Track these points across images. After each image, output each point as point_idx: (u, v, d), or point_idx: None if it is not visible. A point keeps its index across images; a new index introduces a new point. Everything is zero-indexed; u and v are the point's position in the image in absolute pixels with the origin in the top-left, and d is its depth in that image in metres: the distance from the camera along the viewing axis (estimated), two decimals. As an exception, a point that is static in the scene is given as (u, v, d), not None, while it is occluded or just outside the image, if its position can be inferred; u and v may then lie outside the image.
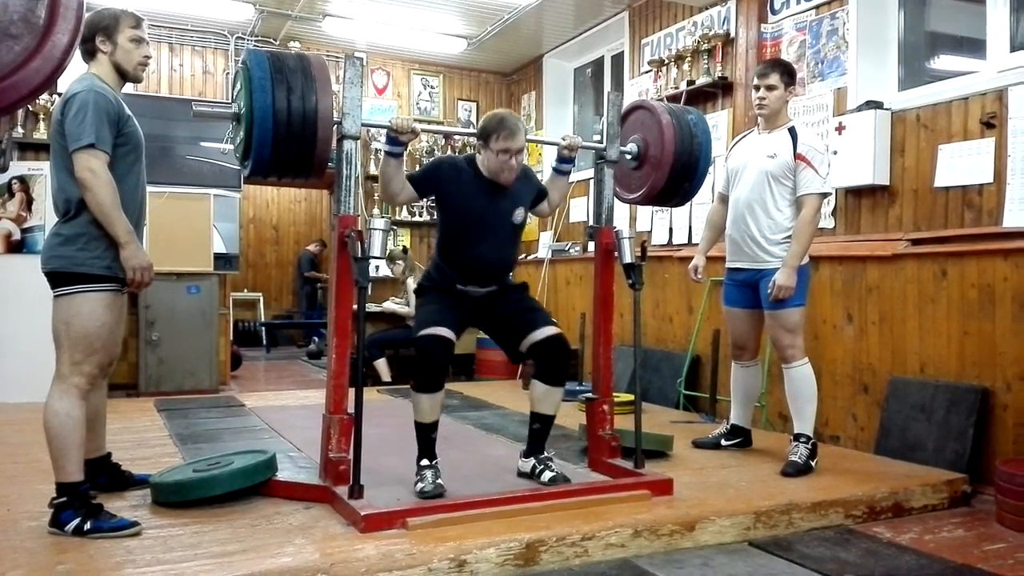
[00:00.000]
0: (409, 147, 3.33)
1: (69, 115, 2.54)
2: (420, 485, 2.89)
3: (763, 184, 3.54)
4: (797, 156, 3.48)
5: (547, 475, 3.08)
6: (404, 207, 7.57)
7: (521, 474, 3.23)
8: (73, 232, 2.59)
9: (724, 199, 3.79)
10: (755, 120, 3.72)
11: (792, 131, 3.55)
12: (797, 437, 3.48)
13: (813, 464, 3.43)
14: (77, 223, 2.60)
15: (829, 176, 3.56)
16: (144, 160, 2.83)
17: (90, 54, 2.73)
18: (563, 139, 3.29)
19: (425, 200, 3.43)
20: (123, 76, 2.77)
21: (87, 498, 2.55)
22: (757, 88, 3.60)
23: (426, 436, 2.99)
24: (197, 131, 6.41)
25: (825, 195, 3.57)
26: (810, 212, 3.46)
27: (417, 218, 7.68)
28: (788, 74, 3.60)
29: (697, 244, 4.05)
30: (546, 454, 3.19)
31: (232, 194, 6.49)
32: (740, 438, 3.86)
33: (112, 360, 2.83)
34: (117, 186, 2.59)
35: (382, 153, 3.24)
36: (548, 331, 3.09)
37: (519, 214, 3.19)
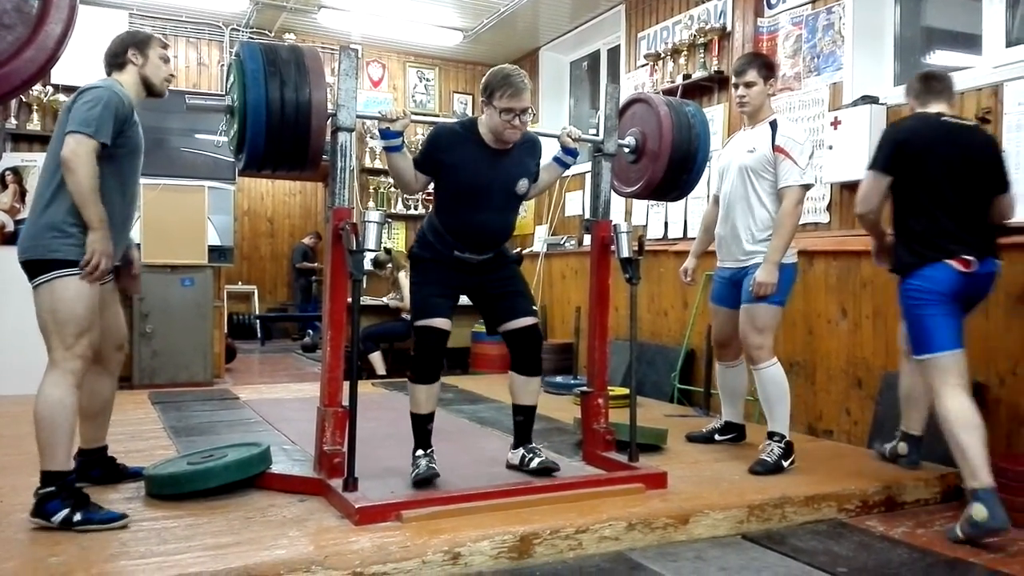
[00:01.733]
0: (407, 139, 3.27)
1: (80, 102, 2.61)
2: (415, 472, 2.92)
3: (744, 180, 3.50)
4: (775, 148, 3.41)
5: (536, 461, 3.09)
6: (400, 200, 7.56)
7: (510, 466, 3.23)
8: (47, 222, 2.61)
9: (717, 200, 3.76)
10: (750, 116, 3.71)
11: (773, 124, 3.47)
12: (771, 436, 3.42)
13: (785, 464, 3.34)
14: (51, 212, 2.61)
15: (810, 167, 3.47)
16: (140, 162, 2.89)
17: (119, 67, 2.85)
18: (563, 129, 3.27)
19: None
20: (149, 89, 2.91)
21: (75, 488, 2.54)
22: (736, 87, 3.55)
23: (422, 427, 3.01)
24: (192, 123, 6.37)
25: (807, 186, 3.45)
26: (790, 204, 3.37)
27: (412, 211, 7.65)
28: (766, 68, 3.54)
29: (692, 238, 4.04)
30: (533, 444, 3.20)
31: (227, 186, 6.45)
32: (734, 433, 3.87)
33: (121, 343, 2.93)
34: (107, 180, 2.62)
35: (380, 151, 3.22)
36: (524, 322, 3.10)
37: (522, 185, 3.09)
